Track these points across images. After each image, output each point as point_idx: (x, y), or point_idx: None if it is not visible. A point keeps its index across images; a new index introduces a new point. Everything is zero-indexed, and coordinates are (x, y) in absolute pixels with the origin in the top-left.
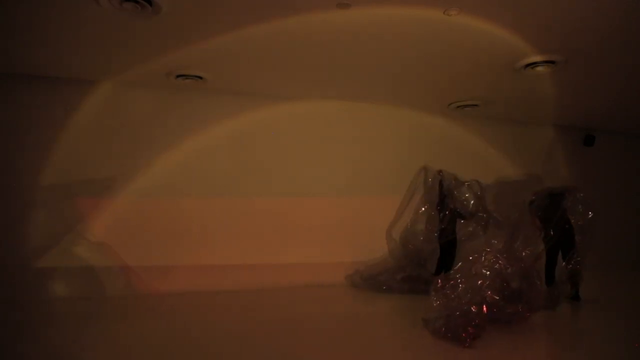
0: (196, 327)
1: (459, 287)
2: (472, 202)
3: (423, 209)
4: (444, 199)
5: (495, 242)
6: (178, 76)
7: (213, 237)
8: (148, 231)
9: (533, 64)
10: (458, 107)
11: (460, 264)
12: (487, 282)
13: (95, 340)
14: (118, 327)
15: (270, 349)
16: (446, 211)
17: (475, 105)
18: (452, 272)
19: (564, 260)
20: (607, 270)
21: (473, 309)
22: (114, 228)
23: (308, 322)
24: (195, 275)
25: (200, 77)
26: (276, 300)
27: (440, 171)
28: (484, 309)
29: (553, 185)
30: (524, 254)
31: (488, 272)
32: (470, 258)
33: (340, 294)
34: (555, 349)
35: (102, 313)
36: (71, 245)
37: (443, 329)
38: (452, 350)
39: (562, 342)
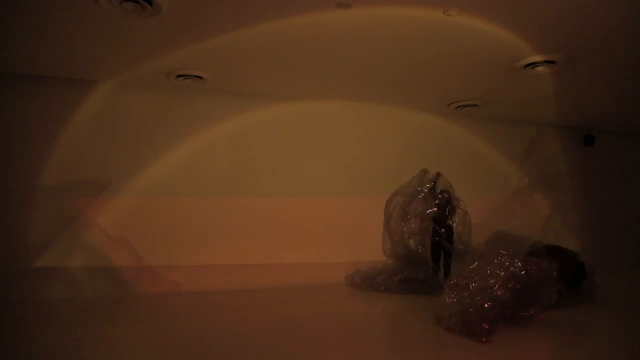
0: (196, 327)
1: (472, 285)
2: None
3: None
4: (446, 206)
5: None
6: (178, 76)
7: (213, 237)
8: (148, 231)
9: (533, 64)
10: (458, 107)
11: (476, 263)
12: (501, 282)
13: (95, 340)
14: (118, 327)
15: (270, 349)
16: (447, 219)
17: (475, 105)
18: (465, 272)
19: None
20: (608, 270)
21: (486, 305)
22: (113, 228)
23: (311, 322)
24: (195, 275)
25: (200, 77)
26: (276, 300)
27: (439, 174)
28: (497, 306)
29: (547, 243)
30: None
31: (503, 273)
32: (487, 259)
33: (341, 293)
34: (568, 343)
35: (101, 313)
36: (71, 245)
37: (459, 324)
38: (469, 344)
39: (573, 338)
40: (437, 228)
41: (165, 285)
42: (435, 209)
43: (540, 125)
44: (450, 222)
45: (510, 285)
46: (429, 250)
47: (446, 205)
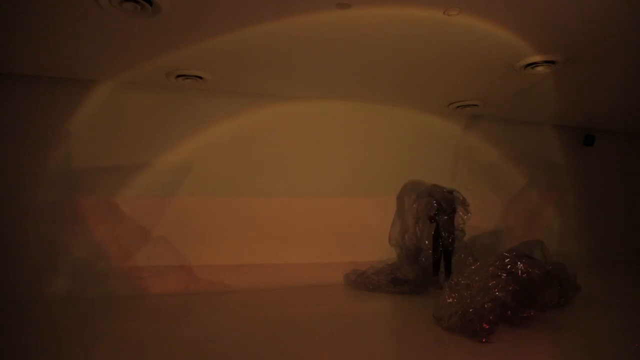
0: (196, 327)
1: (471, 285)
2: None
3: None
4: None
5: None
6: (178, 76)
7: (213, 237)
8: (148, 231)
9: (533, 64)
10: (458, 107)
11: (478, 264)
12: (501, 284)
13: (95, 340)
14: (118, 326)
15: (270, 349)
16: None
17: (475, 105)
18: (466, 272)
19: None
20: (609, 270)
21: (486, 306)
22: (113, 228)
23: (311, 322)
24: (195, 275)
25: (201, 77)
26: (276, 300)
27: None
28: (497, 306)
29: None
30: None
31: (504, 275)
32: (489, 260)
33: (341, 294)
34: (568, 343)
35: (102, 313)
36: (71, 245)
37: (459, 324)
38: (469, 344)
39: (573, 338)
40: (439, 226)
41: (165, 285)
42: (436, 205)
43: (540, 125)
44: (452, 222)
45: (510, 287)
46: (430, 245)
47: (450, 205)
